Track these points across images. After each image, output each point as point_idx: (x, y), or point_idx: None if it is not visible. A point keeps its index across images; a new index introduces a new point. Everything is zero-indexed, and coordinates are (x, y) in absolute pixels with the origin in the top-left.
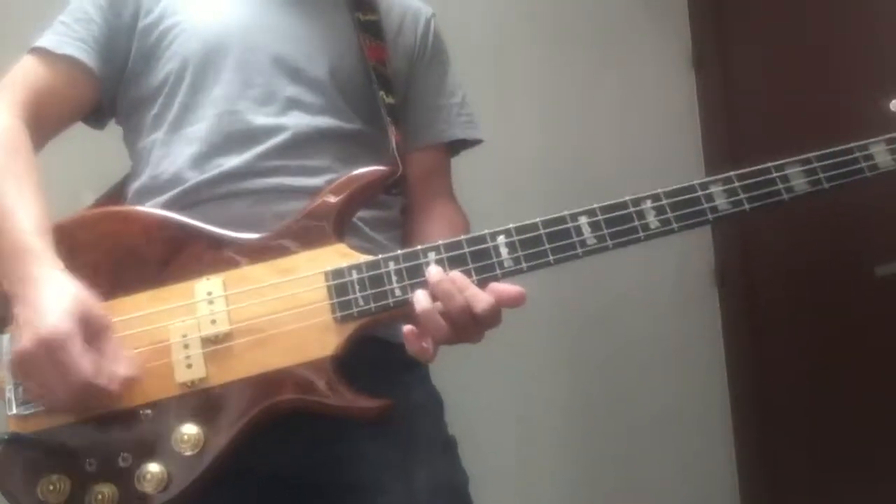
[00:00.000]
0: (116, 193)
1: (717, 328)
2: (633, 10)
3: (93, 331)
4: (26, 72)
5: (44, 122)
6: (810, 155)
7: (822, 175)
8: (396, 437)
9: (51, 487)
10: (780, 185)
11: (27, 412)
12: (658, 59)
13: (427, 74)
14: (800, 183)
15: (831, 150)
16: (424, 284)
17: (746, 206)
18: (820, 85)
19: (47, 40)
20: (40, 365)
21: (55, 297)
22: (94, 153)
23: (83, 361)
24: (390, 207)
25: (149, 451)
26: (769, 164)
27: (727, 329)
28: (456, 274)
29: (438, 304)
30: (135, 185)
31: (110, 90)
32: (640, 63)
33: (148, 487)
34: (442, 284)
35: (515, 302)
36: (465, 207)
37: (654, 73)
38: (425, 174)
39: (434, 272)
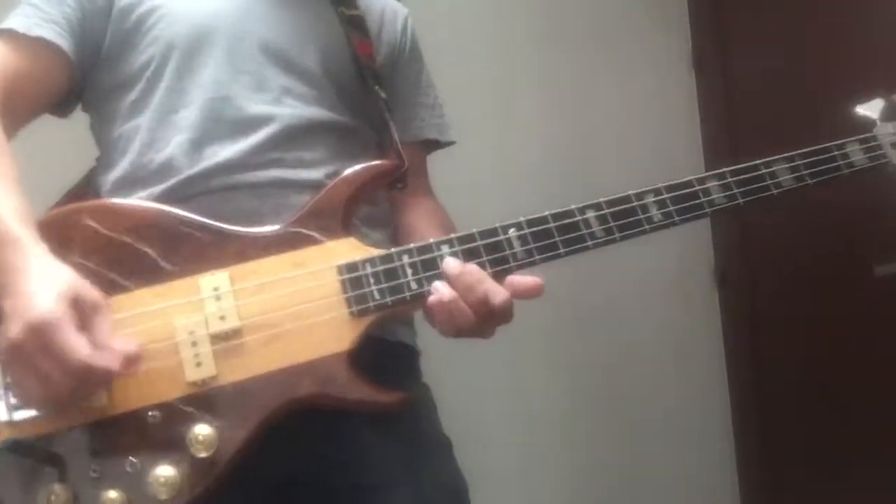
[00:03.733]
0: (84, 187)
1: (717, 328)
2: (633, 11)
3: (86, 312)
4: None
5: (17, 109)
6: (794, 153)
7: (804, 172)
8: (402, 435)
9: (52, 498)
10: (769, 181)
11: (21, 417)
12: (658, 59)
13: (407, 72)
14: (786, 178)
15: (812, 148)
16: (439, 277)
17: (740, 200)
18: (820, 85)
19: (16, 22)
20: (32, 354)
21: (42, 281)
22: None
23: (78, 343)
24: (380, 204)
25: (159, 454)
26: (759, 161)
27: (727, 329)
28: (472, 266)
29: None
30: (112, 176)
31: (82, 75)
32: (641, 63)
33: (160, 492)
34: (462, 277)
35: (533, 292)
36: (464, 206)
37: (654, 73)
38: (409, 170)
39: (453, 265)
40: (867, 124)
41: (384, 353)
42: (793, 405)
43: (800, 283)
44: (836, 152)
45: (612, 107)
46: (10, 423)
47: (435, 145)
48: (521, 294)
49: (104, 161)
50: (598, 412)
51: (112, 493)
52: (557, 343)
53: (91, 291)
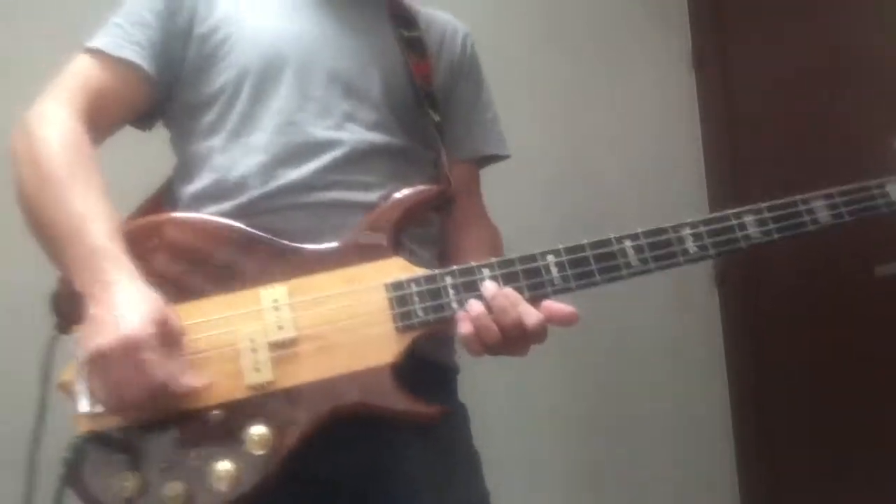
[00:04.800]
0: (162, 195)
1: (717, 328)
2: (633, 10)
3: (168, 338)
4: (82, 72)
5: (100, 124)
6: (832, 190)
7: (843, 209)
8: (437, 448)
9: (125, 485)
10: (807, 218)
11: (100, 410)
12: (658, 58)
13: (465, 90)
14: (824, 216)
15: (850, 186)
16: (479, 298)
17: (775, 236)
18: (820, 85)
19: (103, 42)
20: (117, 363)
21: (135, 300)
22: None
23: (160, 366)
24: (431, 225)
25: (219, 450)
26: (797, 198)
27: (727, 329)
28: (509, 290)
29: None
30: (191, 189)
31: (163, 94)
32: (640, 63)
33: (219, 485)
34: (497, 299)
35: (566, 321)
36: None
37: (654, 72)
38: (463, 188)
39: (490, 287)
40: None
41: (423, 370)
42: (793, 405)
43: (800, 282)
44: (875, 191)
45: (611, 106)
46: (92, 416)
47: (487, 160)
48: (555, 320)
49: (182, 174)
50: (598, 412)
51: (177, 484)
52: (557, 343)
53: (176, 320)
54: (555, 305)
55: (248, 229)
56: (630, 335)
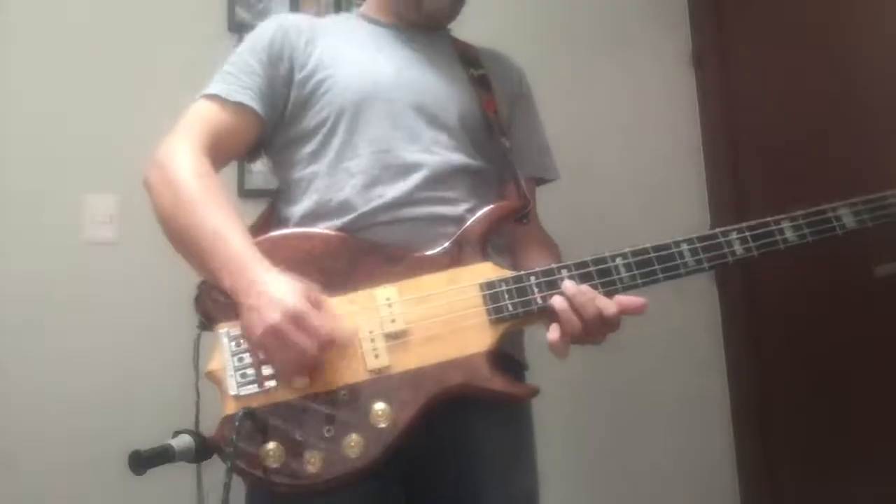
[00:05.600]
0: (267, 216)
1: (717, 327)
2: (633, 10)
3: (319, 305)
4: (203, 115)
5: (218, 157)
6: (856, 199)
7: (866, 217)
8: (514, 435)
9: (270, 453)
10: (835, 224)
11: (246, 392)
12: (658, 57)
13: (523, 118)
14: (850, 222)
15: (874, 195)
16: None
17: (809, 240)
18: (820, 84)
19: (219, 88)
20: (288, 334)
21: (283, 285)
22: None
23: (321, 326)
24: (505, 235)
25: (349, 424)
26: (825, 206)
27: (727, 328)
28: (585, 287)
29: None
30: (299, 210)
31: (269, 131)
32: (641, 62)
33: (351, 453)
34: (578, 297)
35: (638, 310)
36: None
37: (655, 71)
38: None
39: (570, 285)
40: None
41: (508, 365)
42: (793, 405)
43: (800, 282)
44: (893, 200)
45: (612, 106)
46: (237, 397)
47: (542, 181)
48: (627, 310)
49: (287, 197)
50: (598, 412)
51: (314, 452)
52: None
53: (316, 291)
54: (626, 298)
55: (362, 239)
56: (630, 334)
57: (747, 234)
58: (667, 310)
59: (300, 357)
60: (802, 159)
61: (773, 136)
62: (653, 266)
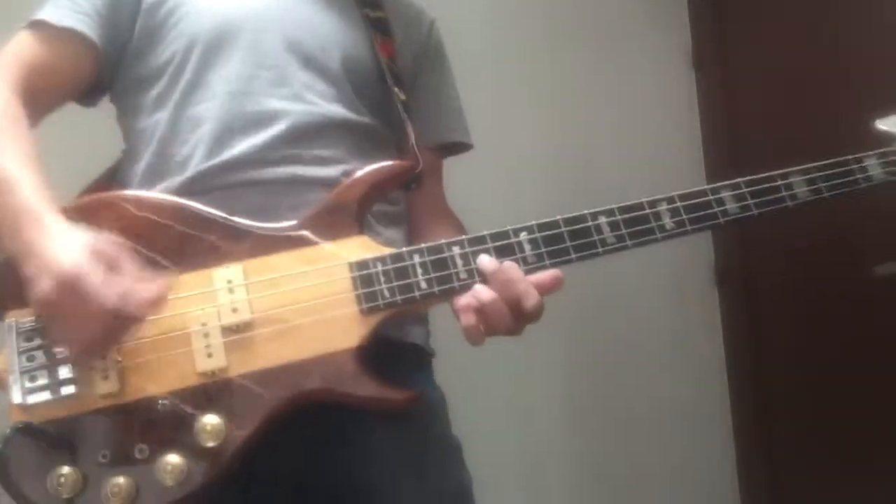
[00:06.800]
0: (110, 177)
1: (717, 328)
2: (633, 10)
3: (109, 262)
4: (22, 46)
5: (39, 98)
6: (810, 165)
7: (822, 184)
8: (410, 436)
9: (61, 480)
10: (785, 193)
11: (35, 401)
12: (658, 58)
13: (430, 75)
14: (803, 191)
15: (830, 161)
16: (450, 278)
17: (754, 211)
18: (820, 85)
19: (48, 13)
20: (65, 304)
21: (63, 241)
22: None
23: (107, 290)
24: (397, 203)
25: (167, 442)
26: (775, 173)
27: (727, 329)
28: (509, 264)
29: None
30: (138, 167)
31: (110, 67)
32: (641, 63)
33: (167, 480)
34: (499, 274)
35: (554, 285)
36: (464, 207)
37: (655, 73)
38: (427, 175)
39: (488, 262)
40: (886, 139)
41: (395, 354)
42: (792, 405)
43: (800, 282)
44: (853, 165)
45: (612, 106)
46: (24, 407)
47: (451, 150)
48: (544, 289)
49: (131, 153)
50: (598, 412)
51: (120, 479)
52: (557, 343)
53: (108, 243)
54: (537, 277)
55: (199, 207)
56: (630, 334)
57: (679, 204)
58: (667, 309)
59: (82, 336)
60: (802, 159)
61: (773, 136)
62: (564, 243)
